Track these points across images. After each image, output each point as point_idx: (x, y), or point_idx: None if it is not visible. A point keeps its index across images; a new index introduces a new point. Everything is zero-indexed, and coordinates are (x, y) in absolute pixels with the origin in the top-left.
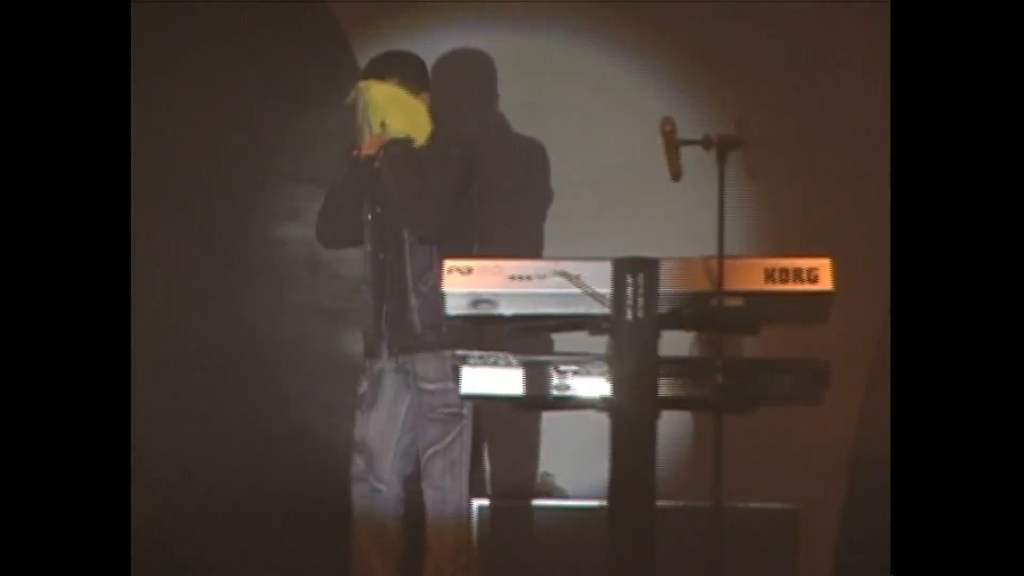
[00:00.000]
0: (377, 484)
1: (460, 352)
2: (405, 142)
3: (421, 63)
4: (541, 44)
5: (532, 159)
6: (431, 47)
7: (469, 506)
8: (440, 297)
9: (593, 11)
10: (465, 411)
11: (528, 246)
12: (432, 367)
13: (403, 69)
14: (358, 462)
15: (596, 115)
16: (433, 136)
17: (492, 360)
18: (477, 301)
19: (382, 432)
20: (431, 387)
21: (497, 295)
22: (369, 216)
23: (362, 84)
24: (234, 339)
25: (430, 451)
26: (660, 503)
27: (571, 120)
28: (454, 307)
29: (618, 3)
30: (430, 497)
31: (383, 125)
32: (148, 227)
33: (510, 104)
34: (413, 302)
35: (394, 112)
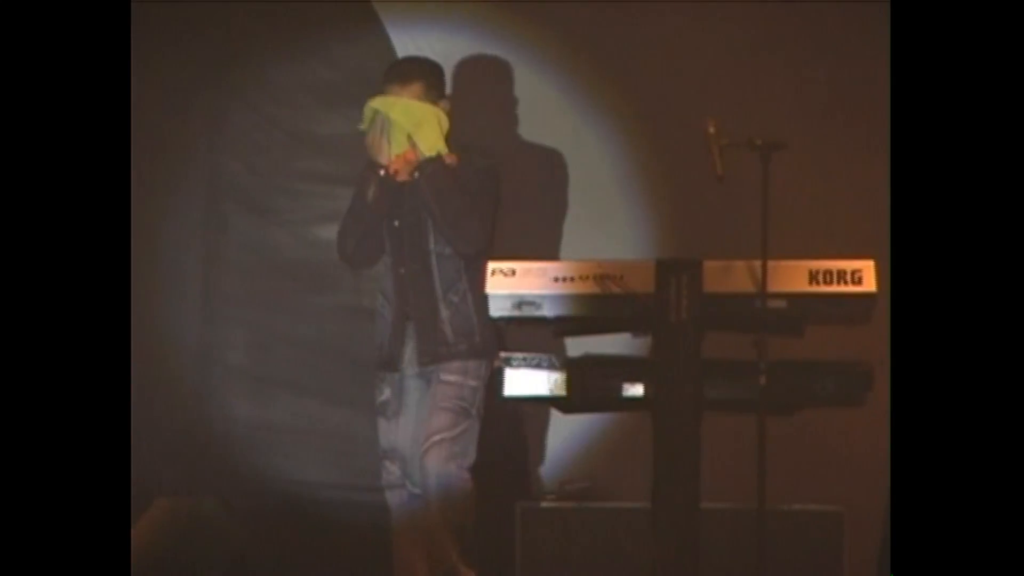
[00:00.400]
0: (414, 489)
1: (504, 354)
2: (437, 159)
3: (441, 70)
4: (581, 43)
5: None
6: (453, 50)
7: (473, 499)
8: (482, 300)
9: (633, 9)
10: (475, 411)
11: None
12: (456, 364)
13: (427, 75)
14: (391, 469)
15: (638, 116)
16: (456, 147)
17: (535, 362)
18: (521, 303)
19: (413, 437)
20: (451, 379)
21: (541, 297)
22: (386, 230)
23: (378, 102)
24: (274, 340)
25: (436, 437)
26: (704, 505)
27: (613, 121)
28: (498, 309)
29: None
30: (432, 481)
31: (411, 142)
32: (185, 228)
33: (546, 105)
34: (443, 312)
35: (420, 128)
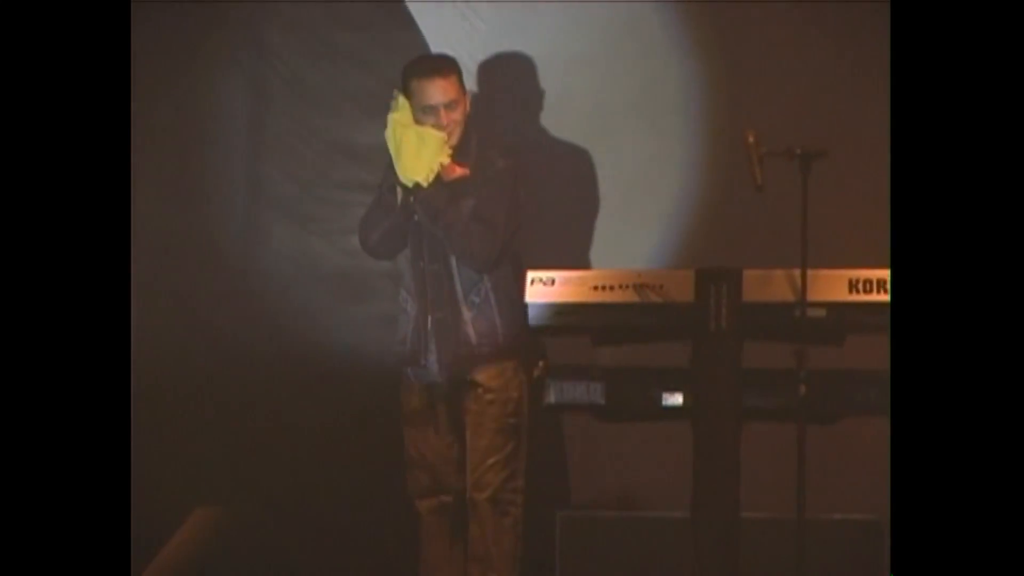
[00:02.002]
0: (444, 498)
1: (543, 363)
2: (434, 181)
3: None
4: (620, 50)
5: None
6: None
7: (523, 518)
8: (504, 301)
9: (674, 16)
10: (522, 421)
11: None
12: (491, 376)
13: (457, 70)
14: (421, 478)
15: (676, 126)
16: (477, 145)
17: (575, 371)
18: (560, 312)
19: (441, 446)
20: (491, 396)
21: (580, 306)
22: (410, 226)
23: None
24: (315, 350)
25: (490, 461)
26: (743, 514)
27: (652, 130)
28: (537, 318)
29: (699, 8)
30: (489, 507)
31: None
32: (225, 234)
33: (585, 111)
34: (466, 314)
35: (400, 153)
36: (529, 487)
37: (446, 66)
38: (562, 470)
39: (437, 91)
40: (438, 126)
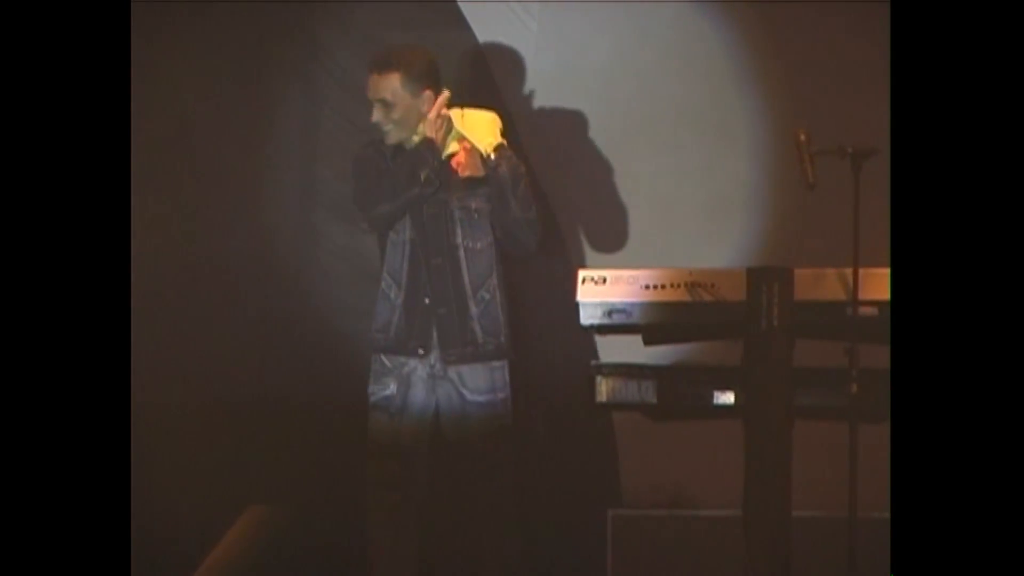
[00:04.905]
0: (410, 490)
1: (595, 362)
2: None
3: (428, 58)
4: (671, 47)
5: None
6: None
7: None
8: (508, 298)
9: (724, 13)
10: (507, 414)
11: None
12: (482, 377)
13: (404, 69)
14: (389, 467)
15: (728, 124)
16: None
17: (626, 370)
18: (611, 311)
19: (415, 435)
20: (482, 399)
21: (632, 305)
22: (411, 216)
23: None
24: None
25: (481, 467)
26: (795, 513)
27: (704, 128)
28: (588, 317)
29: (750, 6)
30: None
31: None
32: (279, 233)
33: (635, 108)
34: (473, 309)
35: (476, 131)
36: (580, 485)
37: (388, 63)
38: (614, 468)
39: (371, 86)
40: (379, 119)
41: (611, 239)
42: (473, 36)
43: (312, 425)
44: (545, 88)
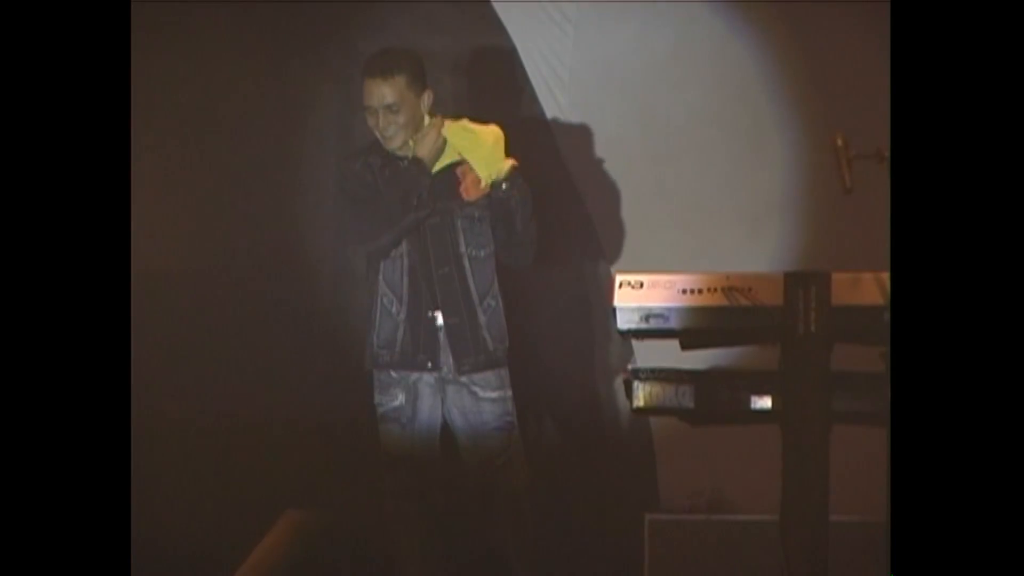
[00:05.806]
0: (426, 500)
1: (631, 366)
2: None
3: (421, 61)
4: (707, 52)
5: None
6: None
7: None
8: (508, 304)
9: (760, 17)
10: (514, 412)
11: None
12: (491, 377)
13: (409, 71)
14: (403, 479)
15: (765, 128)
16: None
17: (663, 374)
18: (648, 315)
19: (428, 443)
20: (493, 395)
21: (668, 309)
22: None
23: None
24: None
25: (498, 462)
26: (832, 518)
27: (739, 133)
28: (625, 322)
29: (786, 8)
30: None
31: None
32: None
33: (672, 112)
34: (482, 317)
35: (476, 152)
36: (617, 489)
37: (392, 66)
38: (651, 473)
39: (375, 93)
40: (376, 128)
41: (648, 244)
42: (509, 39)
43: (326, 436)
44: (581, 93)
